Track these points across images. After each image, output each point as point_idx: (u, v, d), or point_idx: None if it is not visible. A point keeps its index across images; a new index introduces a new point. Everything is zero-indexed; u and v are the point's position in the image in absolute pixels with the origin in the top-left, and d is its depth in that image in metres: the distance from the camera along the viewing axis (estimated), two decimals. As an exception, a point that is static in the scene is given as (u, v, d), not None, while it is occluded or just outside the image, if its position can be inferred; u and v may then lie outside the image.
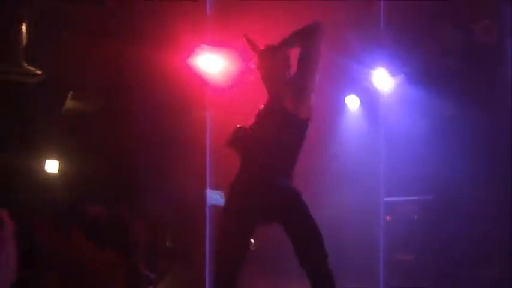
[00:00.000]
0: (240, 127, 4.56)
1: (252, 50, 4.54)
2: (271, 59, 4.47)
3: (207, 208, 7.97)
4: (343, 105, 9.71)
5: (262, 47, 4.49)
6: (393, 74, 9.07)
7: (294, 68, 4.44)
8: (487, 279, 7.70)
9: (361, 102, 9.61)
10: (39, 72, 7.95)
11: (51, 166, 8.31)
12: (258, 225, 4.55)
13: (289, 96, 4.41)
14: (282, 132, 4.43)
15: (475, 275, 7.79)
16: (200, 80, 8.11)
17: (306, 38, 4.42)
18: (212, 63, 8.38)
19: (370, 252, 8.64)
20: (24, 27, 7.86)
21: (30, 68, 7.93)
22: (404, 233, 8.11)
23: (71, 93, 8.49)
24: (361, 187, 8.75)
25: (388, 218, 8.14)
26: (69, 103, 8.59)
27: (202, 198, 7.97)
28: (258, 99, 4.55)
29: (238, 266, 4.50)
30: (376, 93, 9.31)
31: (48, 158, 8.28)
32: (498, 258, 7.78)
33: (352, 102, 9.67)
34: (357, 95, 9.62)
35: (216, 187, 7.72)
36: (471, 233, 7.98)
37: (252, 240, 4.59)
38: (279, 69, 4.50)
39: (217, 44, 8.09)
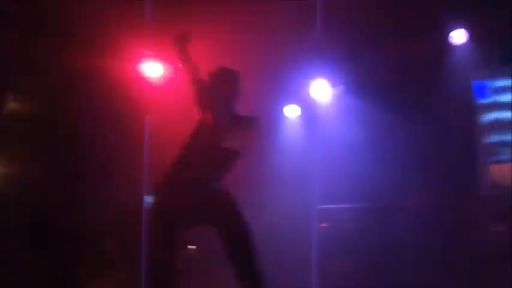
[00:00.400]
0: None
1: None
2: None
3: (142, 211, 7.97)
4: (282, 114, 9.85)
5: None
6: (333, 85, 9.23)
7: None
8: (418, 285, 7.87)
9: (300, 111, 9.76)
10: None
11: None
12: (188, 228, 4.61)
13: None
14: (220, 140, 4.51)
15: (409, 281, 7.95)
16: (140, 84, 8.12)
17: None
18: (152, 68, 8.46)
19: (303, 259, 8.75)
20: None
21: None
22: (338, 240, 8.23)
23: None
24: (297, 194, 8.89)
25: (322, 225, 8.26)
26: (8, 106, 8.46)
27: (140, 201, 7.96)
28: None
29: (171, 269, 4.53)
30: (315, 103, 9.45)
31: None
32: (430, 265, 7.98)
33: (292, 112, 9.81)
34: (297, 104, 9.77)
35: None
36: (403, 241, 8.17)
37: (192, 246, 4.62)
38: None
39: (157, 48, 8.13)
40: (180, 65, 4.68)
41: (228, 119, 4.69)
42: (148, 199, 7.83)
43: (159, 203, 4.70)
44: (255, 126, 4.84)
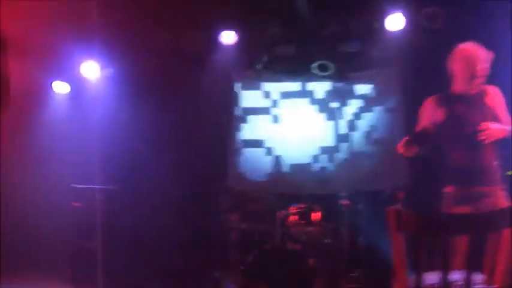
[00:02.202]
0: None
1: None
2: None
3: None
4: (51, 90, 9.76)
5: None
6: (103, 67, 9.32)
7: None
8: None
9: (70, 89, 9.74)
10: None
11: None
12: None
13: None
14: None
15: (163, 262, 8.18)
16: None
17: None
18: None
19: (58, 239, 8.71)
20: None
21: None
22: (90, 221, 8.27)
23: None
24: (53, 173, 8.85)
25: (75, 204, 8.26)
26: None
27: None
28: None
29: None
30: (84, 82, 9.50)
31: None
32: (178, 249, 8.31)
33: (60, 88, 9.76)
34: (66, 81, 9.74)
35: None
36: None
37: None
38: None
39: None
40: None
41: None
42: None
43: None
44: None
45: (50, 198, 8.71)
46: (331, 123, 9.24)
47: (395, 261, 3.85)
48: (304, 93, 9.38)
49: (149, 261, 7.96)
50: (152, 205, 8.63)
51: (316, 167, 8.79)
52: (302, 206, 7.04)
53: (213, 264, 7.54)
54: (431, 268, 3.60)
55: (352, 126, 9.21)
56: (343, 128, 9.20)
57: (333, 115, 9.25)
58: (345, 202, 7.05)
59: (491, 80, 5.57)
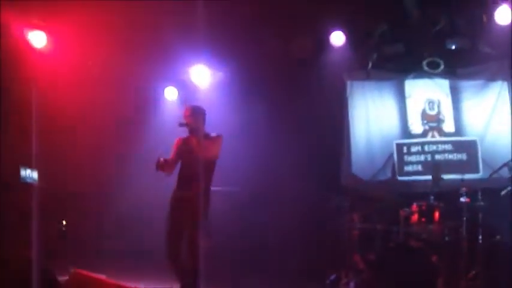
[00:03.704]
0: None
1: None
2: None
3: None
4: (162, 96, 10.06)
5: None
6: (213, 71, 9.55)
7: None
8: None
9: (179, 94, 10.01)
10: None
11: None
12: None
13: None
14: None
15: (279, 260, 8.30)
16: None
17: None
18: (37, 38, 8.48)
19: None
20: None
21: None
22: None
23: None
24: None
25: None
26: None
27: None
28: None
29: None
30: (194, 87, 9.74)
31: None
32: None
33: (171, 94, 10.05)
34: (176, 87, 10.02)
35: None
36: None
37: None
38: None
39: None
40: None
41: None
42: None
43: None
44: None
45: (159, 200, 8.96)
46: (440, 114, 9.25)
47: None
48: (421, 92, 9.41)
49: (270, 262, 8.09)
50: (270, 208, 8.75)
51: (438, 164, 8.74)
52: (423, 204, 7.03)
53: (334, 264, 7.60)
54: None
55: (461, 120, 9.19)
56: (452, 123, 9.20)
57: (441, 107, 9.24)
58: (466, 199, 7.00)
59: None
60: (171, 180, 8.89)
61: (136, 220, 9.32)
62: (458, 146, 9.10)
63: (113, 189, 9.53)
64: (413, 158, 9.24)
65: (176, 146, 6.55)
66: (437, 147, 9.18)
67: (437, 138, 9.25)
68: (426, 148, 9.23)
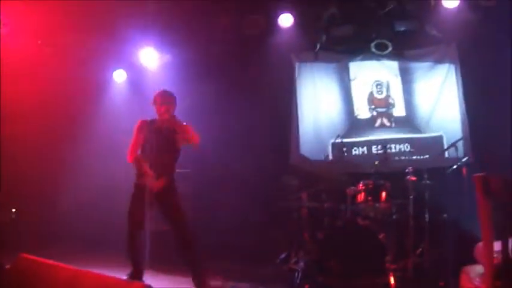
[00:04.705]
0: None
1: None
2: None
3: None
4: (111, 78, 9.95)
5: None
6: (161, 53, 9.47)
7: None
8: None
9: (127, 76, 9.91)
10: None
11: None
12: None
13: None
14: None
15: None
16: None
17: None
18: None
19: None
20: None
21: None
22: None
23: None
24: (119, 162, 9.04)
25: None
26: None
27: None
28: None
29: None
30: (142, 69, 9.68)
31: None
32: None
33: (119, 76, 9.95)
34: (124, 69, 9.92)
35: None
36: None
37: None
38: None
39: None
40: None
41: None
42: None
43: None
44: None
45: (113, 186, 8.89)
46: (389, 98, 9.31)
47: (482, 227, 3.89)
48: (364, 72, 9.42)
49: (221, 242, 8.09)
50: (220, 187, 8.73)
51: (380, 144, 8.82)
52: (370, 183, 7.08)
53: (284, 243, 7.64)
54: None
55: (410, 102, 9.26)
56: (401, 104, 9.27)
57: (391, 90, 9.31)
58: (412, 178, 7.08)
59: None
60: (122, 162, 8.88)
61: (88, 205, 9.21)
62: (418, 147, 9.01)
63: (65, 174, 9.40)
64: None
65: (140, 129, 6.37)
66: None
67: (386, 124, 9.21)
68: (373, 149, 9.12)
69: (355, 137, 9.15)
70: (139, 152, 6.37)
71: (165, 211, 6.35)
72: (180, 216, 6.26)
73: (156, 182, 6.18)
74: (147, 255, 7.51)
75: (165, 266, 7.41)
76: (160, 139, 6.29)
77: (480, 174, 3.85)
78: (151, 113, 6.45)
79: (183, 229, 6.21)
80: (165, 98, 6.35)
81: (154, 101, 6.37)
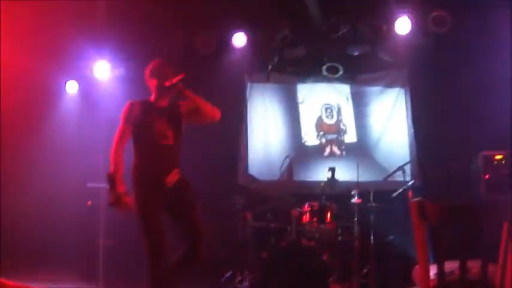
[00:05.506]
0: None
1: None
2: None
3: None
4: (63, 90, 9.85)
5: None
6: (114, 66, 9.43)
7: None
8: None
9: (79, 87, 9.82)
10: None
11: None
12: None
13: None
14: None
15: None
16: None
17: None
18: None
19: (72, 236, 8.79)
20: None
21: None
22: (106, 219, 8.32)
23: None
24: (68, 173, 8.95)
25: (89, 203, 8.30)
26: None
27: None
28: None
29: None
30: (94, 81, 9.63)
31: None
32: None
33: (72, 88, 9.86)
34: (77, 81, 9.83)
35: None
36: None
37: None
38: None
39: None
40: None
41: None
42: None
43: None
44: None
45: (62, 197, 8.79)
46: (341, 123, 9.38)
47: (418, 250, 3.94)
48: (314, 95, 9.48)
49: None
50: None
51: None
52: (315, 204, 7.13)
53: (228, 262, 7.62)
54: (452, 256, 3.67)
55: (362, 126, 9.36)
56: (353, 129, 9.35)
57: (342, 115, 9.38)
58: (357, 200, 7.17)
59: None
60: (73, 175, 8.78)
61: (38, 218, 9.05)
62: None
63: (15, 186, 9.23)
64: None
65: (129, 114, 5.20)
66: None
67: (337, 153, 9.27)
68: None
69: (304, 165, 9.16)
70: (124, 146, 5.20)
71: (182, 213, 5.23)
72: (200, 221, 5.23)
73: (169, 176, 5.14)
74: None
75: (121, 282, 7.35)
76: (168, 121, 5.26)
77: (416, 199, 3.91)
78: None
79: (201, 238, 5.19)
80: (174, 67, 5.41)
81: (159, 74, 5.36)
